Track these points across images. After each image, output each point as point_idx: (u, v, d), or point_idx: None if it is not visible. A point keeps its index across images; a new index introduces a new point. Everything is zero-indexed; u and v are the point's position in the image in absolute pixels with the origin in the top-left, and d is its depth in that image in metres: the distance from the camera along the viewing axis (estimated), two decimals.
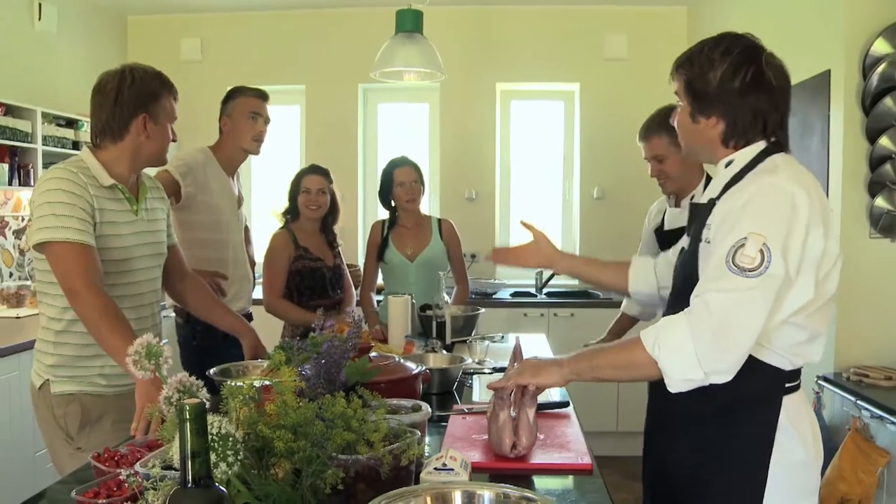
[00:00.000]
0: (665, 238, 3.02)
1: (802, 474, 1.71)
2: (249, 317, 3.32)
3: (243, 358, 2.60)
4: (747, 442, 1.69)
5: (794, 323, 1.64)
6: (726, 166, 1.75)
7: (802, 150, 3.84)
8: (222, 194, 3.23)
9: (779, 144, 1.74)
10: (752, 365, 1.63)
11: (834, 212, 1.70)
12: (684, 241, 2.70)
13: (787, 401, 1.70)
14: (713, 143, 1.76)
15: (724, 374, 1.56)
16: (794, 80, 3.89)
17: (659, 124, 2.85)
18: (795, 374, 1.72)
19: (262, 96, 3.28)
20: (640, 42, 5.71)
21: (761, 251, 1.53)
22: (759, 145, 1.73)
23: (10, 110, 4.37)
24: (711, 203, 1.72)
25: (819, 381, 3.48)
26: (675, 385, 1.60)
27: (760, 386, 1.68)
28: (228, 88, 3.32)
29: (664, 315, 1.75)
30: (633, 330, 3.07)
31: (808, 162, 3.75)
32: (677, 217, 2.95)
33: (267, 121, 3.29)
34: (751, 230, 1.55)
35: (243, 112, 3.21)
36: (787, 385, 1.70)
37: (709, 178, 2.92)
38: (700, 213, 1.76)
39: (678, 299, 1.75)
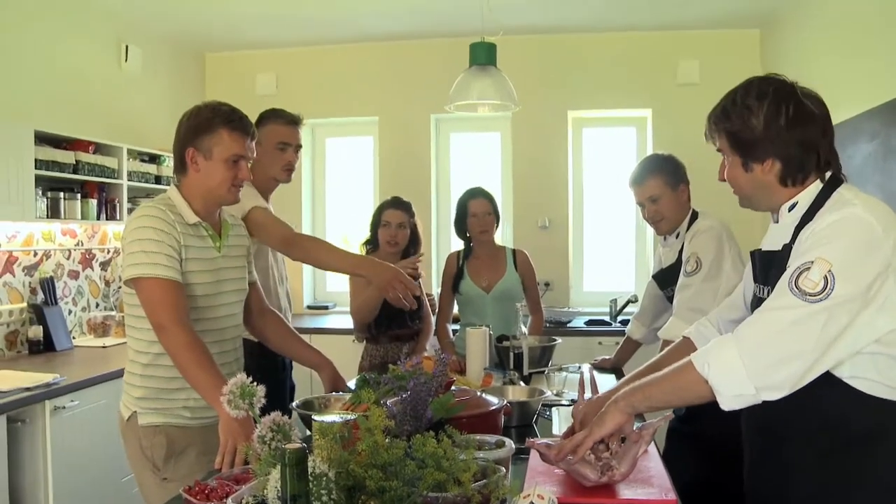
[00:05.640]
0: (661, 278, 3.17)
1: None
2: None
3: (289, 394, 2.57)
4: (876, 482, 1.60)
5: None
6: (790, 210, 1.72)
7: (885, 173, 3.73)
8: None
9: (837, 178, 1.70)
10: (863, 400, 1.58)
11: None
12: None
13: None
14: (771, 187, 1.72)
15: (776, 389, 1.52)
16: (875, 102, 3.82)
17: (652, 167, 3.02)
18: None
19: (293, 122, 3.14)
20: (712, 67, 5.61)
21: (826, 277, 1.50)
22: (818, 183, 1.70)
23: (98, 148, 4.54)
24: (787, 248, 1.67)
25: None
26: (727, 402, 1.57)
27: (880, 419, 1.59)
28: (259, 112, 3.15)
29: None
30: (638, 355, 3.40)
31: (891, 185, 3.64)
32: (668, 254, 3.10)
33: (297, 148, 3.15)
34: (819, 255, 1.53)
35: (271, 142, 3.06)
36: None
37: (694, 214, 3.00)
38: (776, 260, 1.70)
39: None
